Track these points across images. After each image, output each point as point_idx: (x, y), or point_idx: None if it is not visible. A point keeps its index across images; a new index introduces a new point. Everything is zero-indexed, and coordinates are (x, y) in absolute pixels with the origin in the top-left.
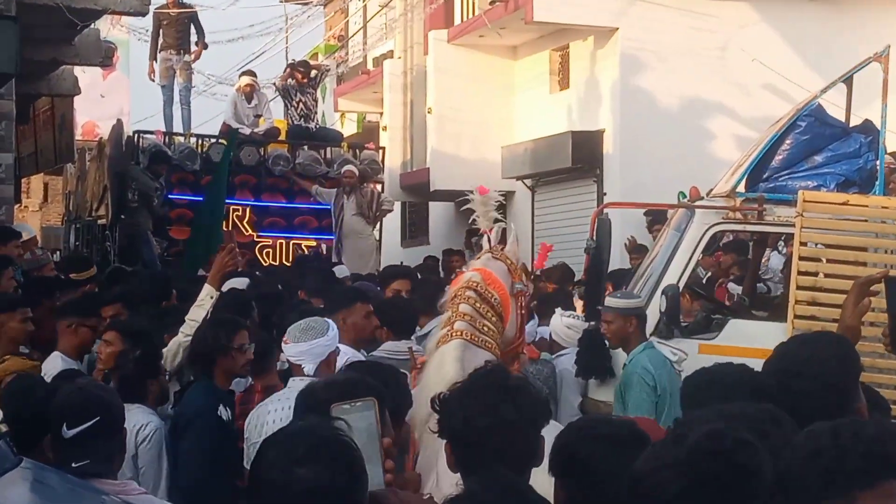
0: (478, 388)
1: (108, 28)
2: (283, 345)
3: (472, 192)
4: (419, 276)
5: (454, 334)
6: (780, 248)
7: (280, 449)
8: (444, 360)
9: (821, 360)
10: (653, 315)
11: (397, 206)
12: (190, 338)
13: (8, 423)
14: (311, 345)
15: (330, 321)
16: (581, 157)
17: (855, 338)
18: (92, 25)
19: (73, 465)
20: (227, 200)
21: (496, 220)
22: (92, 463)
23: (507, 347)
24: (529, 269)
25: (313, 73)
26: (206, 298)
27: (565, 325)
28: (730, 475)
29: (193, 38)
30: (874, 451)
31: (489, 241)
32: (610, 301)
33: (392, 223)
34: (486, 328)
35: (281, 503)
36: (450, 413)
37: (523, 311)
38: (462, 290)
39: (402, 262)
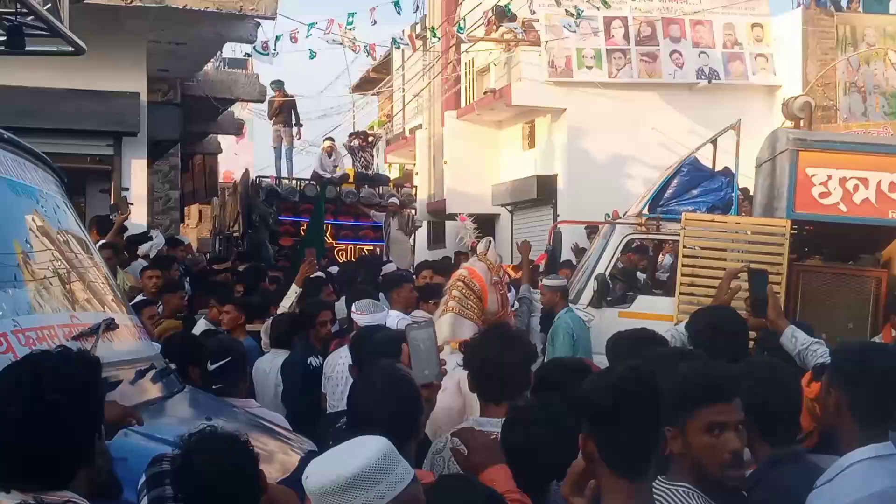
0: (490, 336)
1: (240, 110)
2: (353, 314)
3: (467, 214)
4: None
5: (448, 309)
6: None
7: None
8: (441, 325)
9: (730, 320)
10: (589, 292)
11: (425, 224)
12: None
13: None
14: (373, 317)
15: (387, 309)
16: (542, 192)
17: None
18: (229, 108)
19: (213, 387)
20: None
21: (480, 235)
22: (225, 386)
23: (494, 317)
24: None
25: (370, 138)
26: (292, 293)
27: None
28: (643, 393)
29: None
30: (710, 382)
31: (475, 249)
32: (545, 281)
33: (421, 234)
34: (469, 306)
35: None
36: (472, 354)
37: (503, 293)
38: (454, 282)
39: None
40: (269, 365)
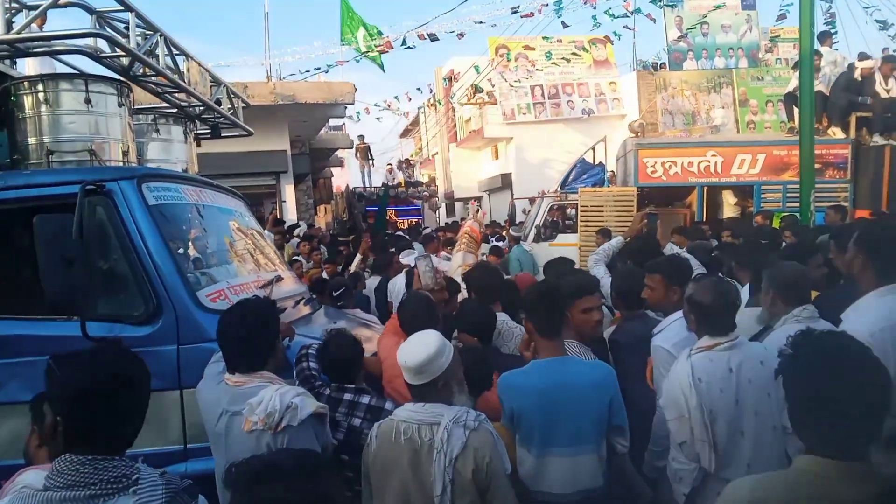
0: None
1: (341, 152)
2: (400, 257)
3: (469, 198)
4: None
5: (461, 248)
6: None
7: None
8: (456, 257)
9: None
10: (532, 235)
11: (444, 205)
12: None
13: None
14: (409, 258)
15: (415, 249)
16: (503, 182)
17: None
18: (335, 153)
19: (338, 304)
20: (388, 208)
21: (478, 207)
22: (343, 303)
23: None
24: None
25: (411, 163)
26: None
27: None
28: (552, 294)
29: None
30: (581, 283)
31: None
32: (510, 231)
33: (441, 211)
34: (472, 247)
35: None
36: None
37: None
38: (463, 234)
39: (444, 223)
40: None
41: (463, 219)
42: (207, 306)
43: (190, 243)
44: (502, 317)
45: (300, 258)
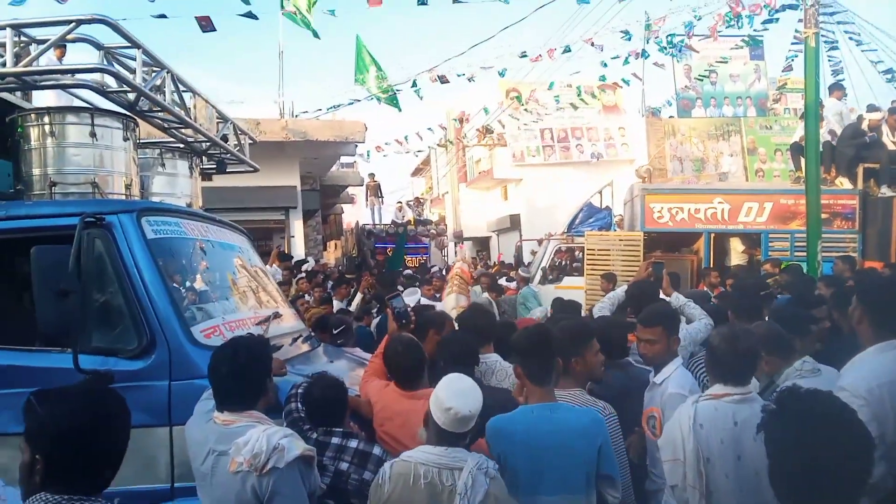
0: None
1: (353, 189)
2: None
3: (475, 237)
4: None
5: (452, 290)
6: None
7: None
8: (449, 299)
9: (649, 290)
10: (538, 276)
11: (452, 243)
12: None
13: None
14: (411, 298)
15: (417, 289)
16: (512, 223)
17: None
18: (346, 190)
19: (337, 342)
20: (394, 245)
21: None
22: (343, 342)
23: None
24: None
25: (421, 201)
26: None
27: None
28: (545, 339)
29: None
30: (585, 330)
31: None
32: (519, 272)
33: (451, 249)
34: (463, 288)
35: None
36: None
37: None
38: (454, 276)
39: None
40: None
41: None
42: (201, 342)
43: (188, 278)
44: (493, 357)
45: (306, 296)
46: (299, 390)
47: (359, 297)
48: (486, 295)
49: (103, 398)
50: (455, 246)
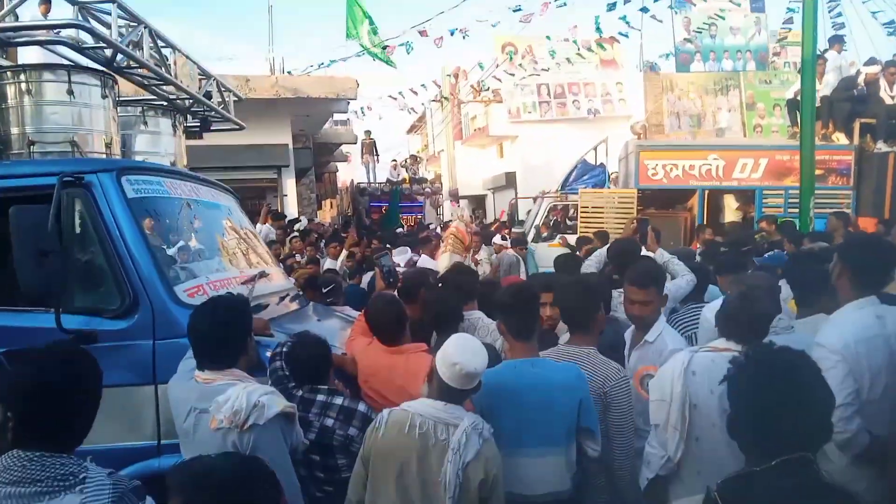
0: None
1: (347, 147)
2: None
3: (470, 195)
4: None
5: (447, 249)
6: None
7: None
8: (443, 258)
9: (632, 247)
10: (532, 234)
11: (448, 201)
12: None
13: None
14: (402, 257)
15: (409, 248)
16: (508, 181)
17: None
18: (339, 148)
19: (327, 301)
20: (388, 204)
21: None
22: (332, 300)
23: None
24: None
25: (417, 159)
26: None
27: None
28: (524, 294)
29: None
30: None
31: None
32: (513, 230)
33: (447, 207)
34: (457, 247)
35: None
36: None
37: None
38: (448, 235)
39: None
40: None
41: (449, 221)
42: (185, 301)
43: (171, 237)
44: (476, 314)
45: (297, 255)
46: (284, 349)
47: (343, 254)
48: (511, 251)
49: (73, 357)
50: (450, 204)
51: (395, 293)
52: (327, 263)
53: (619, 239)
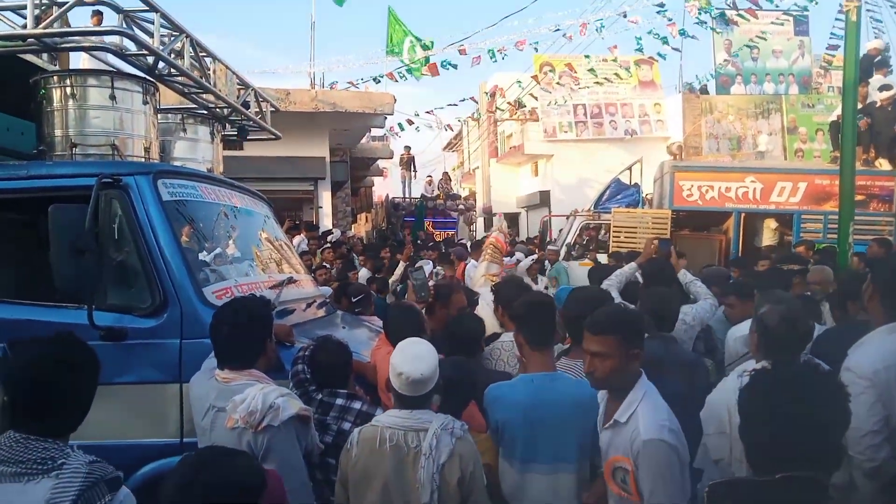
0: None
1: (384, 162)
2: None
3: (501, 212)
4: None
5: (486, 258)
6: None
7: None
8: (481, 266)
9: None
10: (563, 253)
11: (481, 218)
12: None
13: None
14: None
15: (430, 261)
16: (542, 200)
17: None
18: (375, 163)
19: (356, 311)
20: (425, 219)
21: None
22: (361, 310)
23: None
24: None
25: (449, 177)
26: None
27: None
28: (544, 304)
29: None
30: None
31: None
32: (549, 247)
33: (480, 224)
34: (496, 257)
35: None
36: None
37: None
38: (488, 245)
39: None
40: None
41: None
42: (213, 302)
43: (203, 240)
44: (508, 336)
45: (326, 265)
46: (306, 353)
47: (401, 266)
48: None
49: (70, 348)
50: (483, 221)
51: (411, 303)
52: (361, 274)
53: (656, 259)
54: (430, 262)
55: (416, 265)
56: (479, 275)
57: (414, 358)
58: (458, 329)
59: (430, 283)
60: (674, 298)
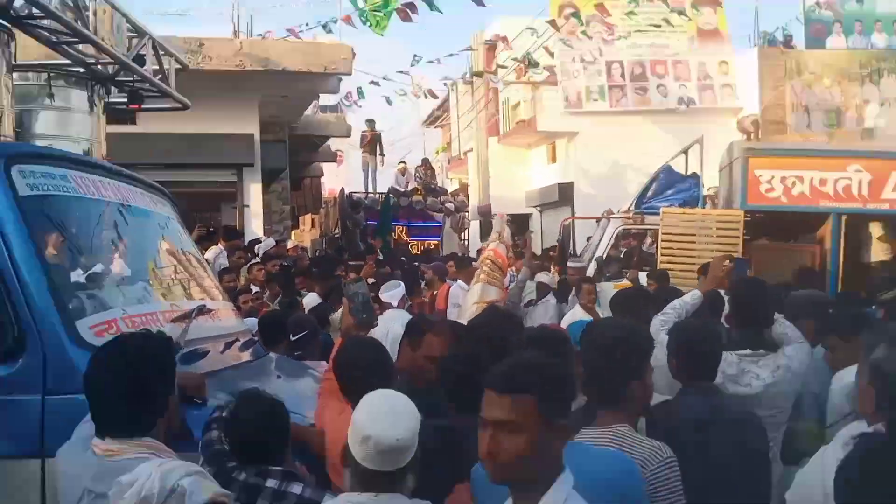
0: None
1: (339, 142)
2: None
3: (506, 213)
4: None
5: (478, 280)
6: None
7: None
8: (474, 290)
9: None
10: (591, 271)
11: (476, 222)
12: None
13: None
14: (391, 293)
15: (402, 283)
16: (562, 196)
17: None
18: (326, 143)
19: (296, 353)
20: (395, 223)
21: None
22: (303, 353)
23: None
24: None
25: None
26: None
27: (547, 279)
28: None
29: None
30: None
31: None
32: (570, 263)
33: (474, 230)
34: (494, 277)
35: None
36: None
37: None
38: (483, 260)
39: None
40: None
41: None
42: (89, 342)
43: (77, 253)
44: None
45: (255, 287)
46: (223, 413)
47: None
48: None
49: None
50: (481, 226)
51: (372, 337)
52: (306, 301)
53: (749, 283)
54: (402, 285)
55: (354, 282)
56: (472, 302)
57: (387, 415)
58: (464, 369)
59: (400, 309)
60: (716, 336)
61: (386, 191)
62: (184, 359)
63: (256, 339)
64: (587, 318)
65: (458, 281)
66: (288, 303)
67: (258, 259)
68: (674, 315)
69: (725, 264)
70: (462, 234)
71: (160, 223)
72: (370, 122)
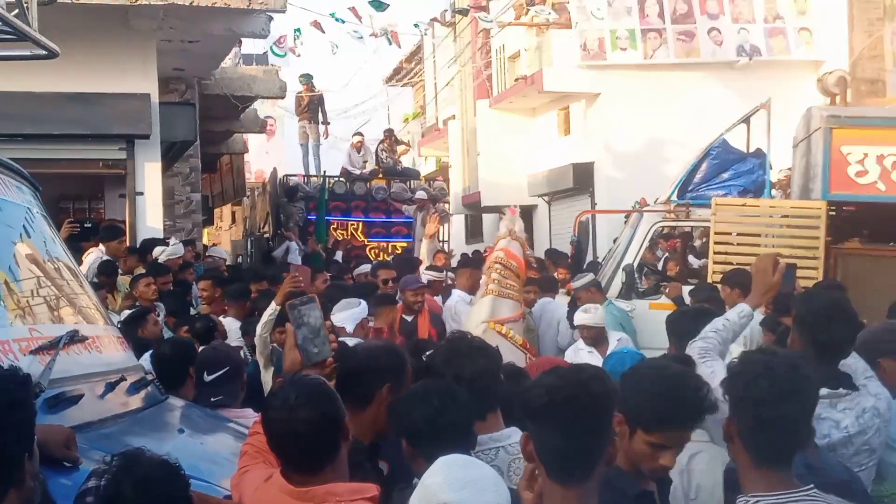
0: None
1: (270, 107)
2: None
3: (506, 206)
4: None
5: (488, 292)
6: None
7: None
8: (481, 307)
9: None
10: (617, 284)
11: (462, 218)
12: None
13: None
14: (347, 313)
15: (362, 300)
16: (579, 181)
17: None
18: (251, 106)
19: (212, 399)
20: (346, 218)
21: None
22: (224, 398)
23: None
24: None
25: (393, 136)
26: (270, 312)
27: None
28: (581, 397)
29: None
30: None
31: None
32: (574, 284)
33: (458, 228)
34: (508, 285)
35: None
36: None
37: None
38: (492, 264)
39: (471, 254)
40: None
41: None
42: None
43: None
44: (504, 434)
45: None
46: (100, 482)
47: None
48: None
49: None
50: (467, 222)
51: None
52: (227, 324)
53: (832, 299)
54: (362, 303)
55: (304, 299)
56: (479, 321)
57: (475, 481)
58: (424, 415)
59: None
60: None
61: (339, 174)
62: (47, 405)
63: (152, 378)
64: (593, 354)
65: (456, 291)
66: (203, 328)
67: (146, 272)
68: (716, 340)
69: (781, 265)
70: (437, 232)
71: (16, 218)
72: (306, 78)
